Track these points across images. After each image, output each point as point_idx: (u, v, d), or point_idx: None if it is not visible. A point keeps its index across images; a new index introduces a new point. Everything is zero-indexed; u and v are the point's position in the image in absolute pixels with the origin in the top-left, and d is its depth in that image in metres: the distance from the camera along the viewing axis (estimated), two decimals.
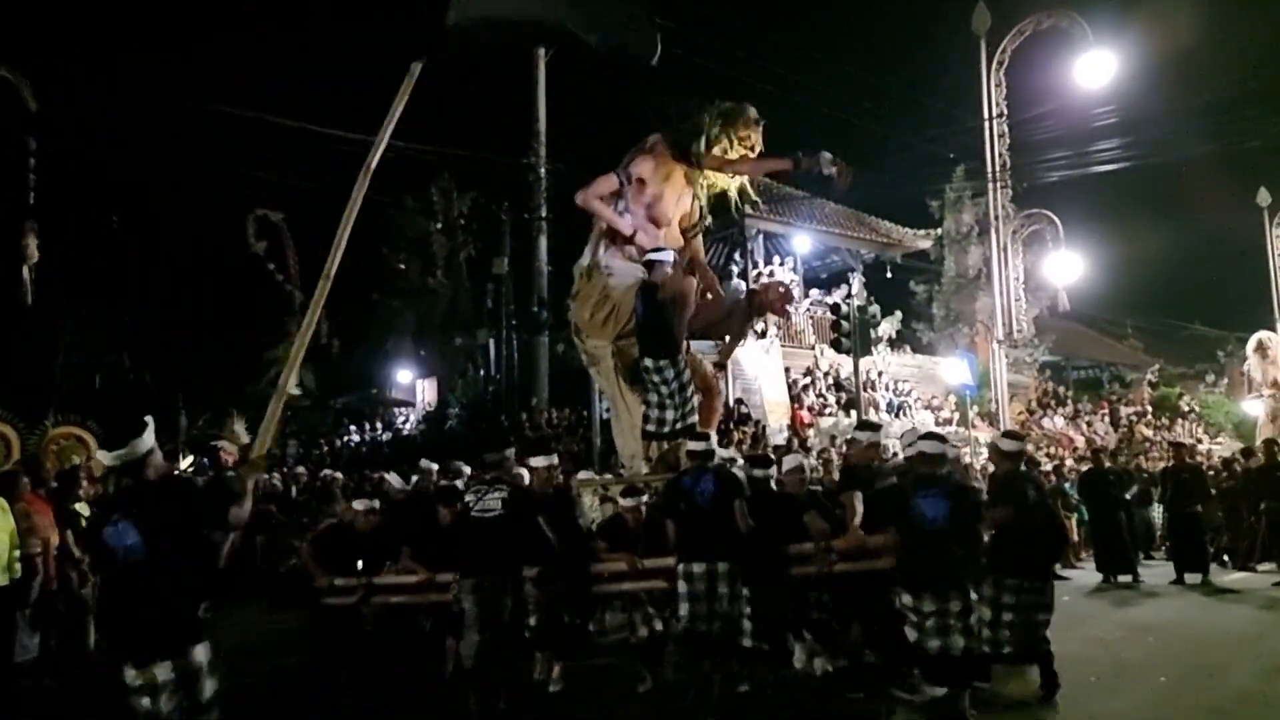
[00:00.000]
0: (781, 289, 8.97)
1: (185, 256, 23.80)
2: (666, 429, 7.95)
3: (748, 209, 21.63)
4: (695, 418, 7.99)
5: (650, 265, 7.98)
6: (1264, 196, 25.77)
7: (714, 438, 7.30)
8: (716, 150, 8.51)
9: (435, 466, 9.30)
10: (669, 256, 8.06)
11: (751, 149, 8.61)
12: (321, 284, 6.21)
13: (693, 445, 6.80)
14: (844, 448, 13.42)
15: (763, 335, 20.38)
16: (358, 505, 7.60)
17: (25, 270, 12.47)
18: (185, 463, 19.64)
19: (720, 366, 9.66)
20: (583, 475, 9.37)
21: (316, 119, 18.99)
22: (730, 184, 8.88)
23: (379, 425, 26.23)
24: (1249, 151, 20.71)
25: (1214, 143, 20.46)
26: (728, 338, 9.37)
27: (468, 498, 6.69)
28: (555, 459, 7.59)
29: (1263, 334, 22.22)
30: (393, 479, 8.68)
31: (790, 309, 9.00)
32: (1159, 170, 22.16)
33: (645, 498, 7.36)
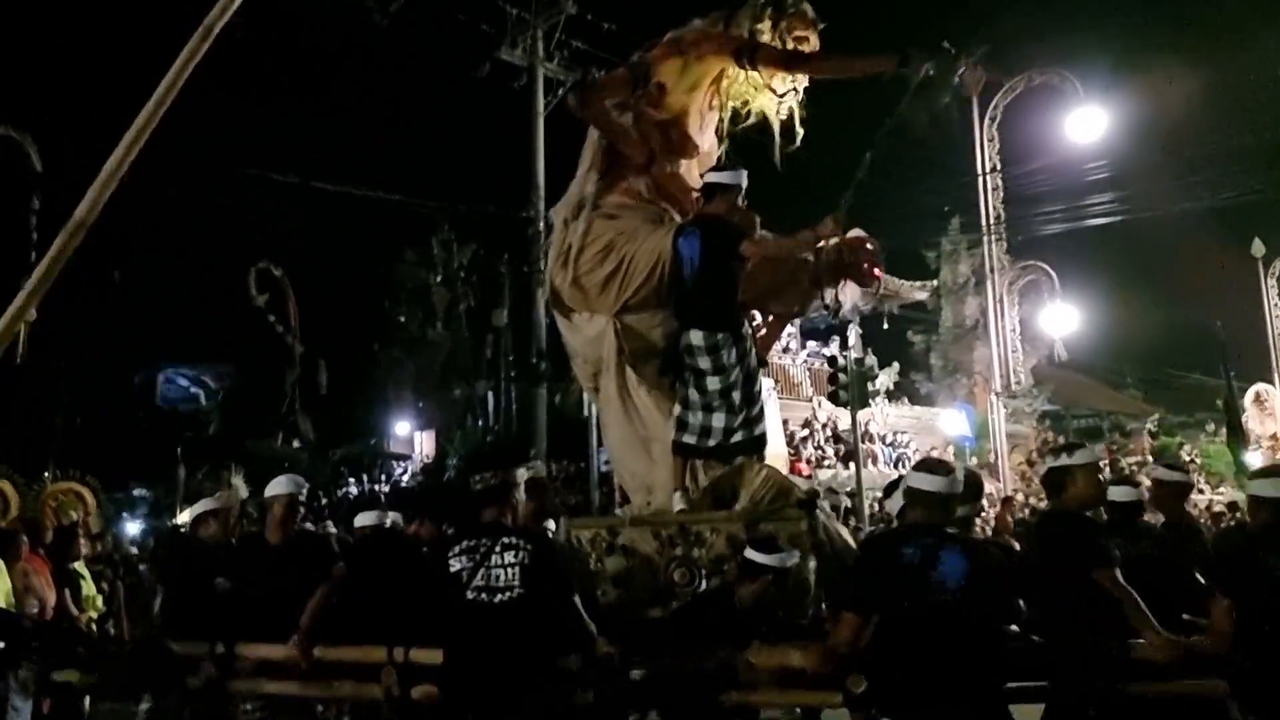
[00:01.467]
0: (869, 245, 5.61)
1: (186, 309, 23.96)
2: (713, 441, 5.29)
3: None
4: (764, 426, 5.42)
5: (712, 191, 5.41)
6: (1258, 247, 25.96)
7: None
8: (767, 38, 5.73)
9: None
10: (742, 179, 5.45)
11: None
12: (70, 232, 5.00)
13: (920, 480, 3.63)
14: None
15: (835, 313, 19.97)
16: (197, 507, 5.22)
17: (22, 327, 12.54)
18: (182, 516, 19.59)
19: (759, 362, 6.13)
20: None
21: (318, 175, 19.27)
22: (772, 105, 5.94)
23: (381, 476, 26.23)
24: (1243, 203, 20.95)
25: (1208, 195, 20.68)
26: (770, 317, 6.28)
27: (454, 563, 3.72)
28: (540, 466, 5.05)
29: (1260, 386, 22.31)
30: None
31: (879, 274, 5.67)
32: (1153, 222, 22.36)
33: (791, 555, 4.41)
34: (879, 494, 16.70)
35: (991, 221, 19.69)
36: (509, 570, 3.69)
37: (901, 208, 21.38)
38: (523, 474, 3.91)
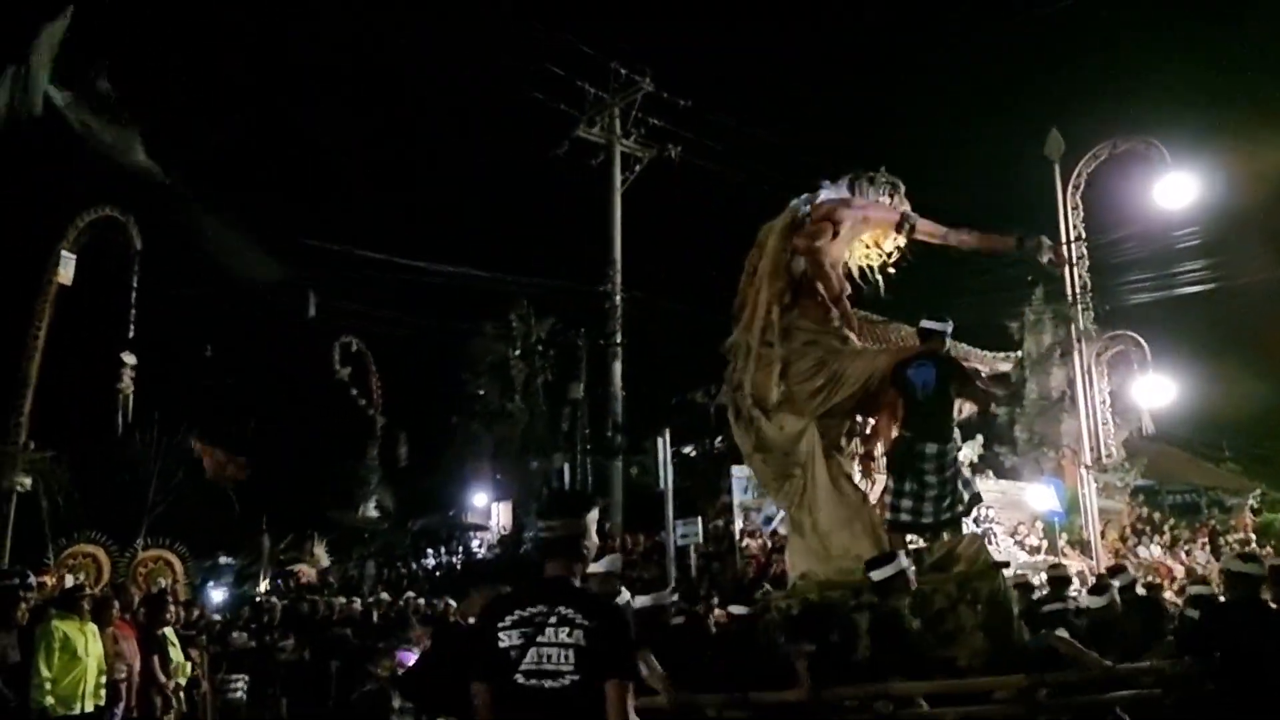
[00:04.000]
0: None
1: (273, 383, 24.60)
2: (927, 519, 6.96)
3: None
4: (960, 509, 7.01)
5: (926, 334, 7.23)
6: None
7: None
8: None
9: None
10: (949, 328, 7.25)
11: None
12: None
13: (1238, 565, 5.30)
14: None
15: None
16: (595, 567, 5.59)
17: (121, 400, 13.02)
18: (264, 584, 19.88)
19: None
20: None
21: (400, 251, 19.80)
22: (875, 260, 8.08)
23: (459, 548, 26.33)
24: None
25: None
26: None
27: (504, 638, 3.20)
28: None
29: None
30: None
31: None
32: (1248, 289, 21.63)
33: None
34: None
35: (1078, 291, 19.23)
36: (562, 651, 3.14)
37: (985, 276, 21.11)
38: (593, 518, 3.43)
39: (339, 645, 14.99)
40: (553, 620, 3.14)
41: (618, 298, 21.55)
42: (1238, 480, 31.29)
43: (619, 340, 21.50)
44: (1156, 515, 25.55)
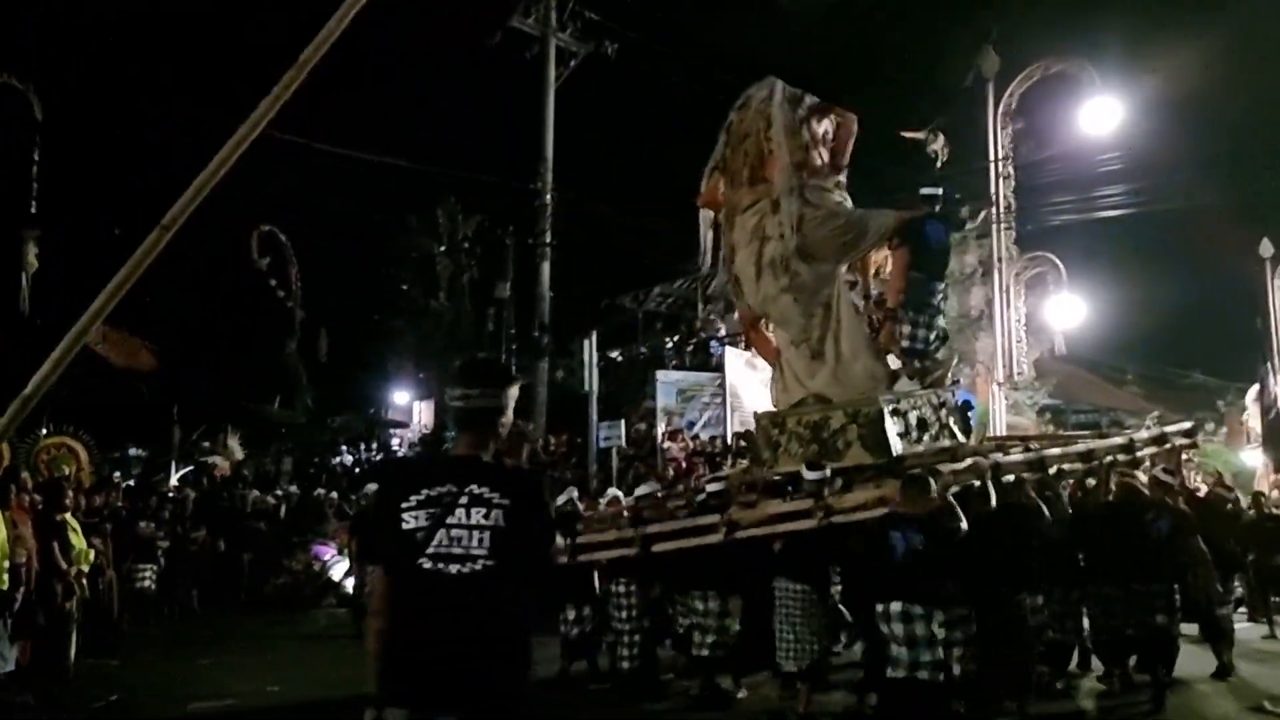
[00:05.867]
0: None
1: (186, 270, 23.76)
2: (930, 345, 8.75)
3: None
4: (946, 336, 9.09)
5: (931, 199, 8.89)
6: (1266, 248, 25.65)
7: None
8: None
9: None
10: (939, 192, 9.07)
11: None
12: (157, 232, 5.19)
13: None
14: None
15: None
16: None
17: (24, 278, 12.47)
18: (175, 475, 19.53)
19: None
20: None
21: (322, 136, 19.05)
22: None
23: (375, 446, 26.17)
24: (1254, 202, 20.69)
25: (1219, 192, 20.45)
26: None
27: (408, 519, 2.88)
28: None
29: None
30: None
31: None
32: (1163, 217, 22.16)
33: None
34: None
35: (1002, 211, 19.48)
36: (475, 534, 2.84)
37: (907, 192, 21.19)
38: (514, 394, 3.12)
39: (253, 538, 14.89)
40: (463, 500, 2.86)
41: (548, 197, 21.14)
42: (1137, 403, 32.54)
43: (548, 240, 21.19)
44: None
